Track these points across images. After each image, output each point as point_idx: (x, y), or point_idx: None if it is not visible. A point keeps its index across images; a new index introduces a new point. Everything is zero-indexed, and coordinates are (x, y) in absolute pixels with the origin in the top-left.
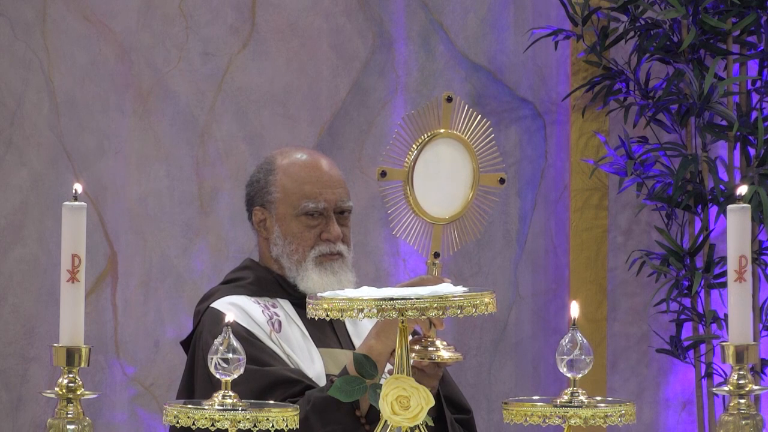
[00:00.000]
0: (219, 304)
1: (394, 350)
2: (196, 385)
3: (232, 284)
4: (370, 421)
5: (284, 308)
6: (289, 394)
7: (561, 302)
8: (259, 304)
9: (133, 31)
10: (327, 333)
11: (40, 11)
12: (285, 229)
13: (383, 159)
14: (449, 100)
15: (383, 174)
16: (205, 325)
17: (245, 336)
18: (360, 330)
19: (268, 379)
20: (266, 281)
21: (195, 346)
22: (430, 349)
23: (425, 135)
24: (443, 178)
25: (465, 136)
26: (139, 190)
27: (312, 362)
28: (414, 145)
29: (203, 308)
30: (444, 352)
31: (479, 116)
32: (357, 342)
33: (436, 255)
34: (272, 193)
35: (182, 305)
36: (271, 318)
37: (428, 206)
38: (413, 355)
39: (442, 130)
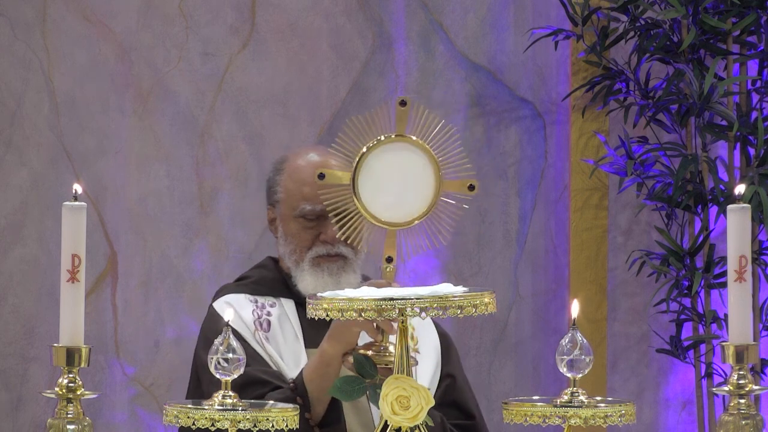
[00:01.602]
0: (217, 303)
1: (347, 353)
2: (190, 378)
3: (238, 282)
4: (321, 425)
5: (284, 308)
6: (258, 394)
7: (561, 302)
8: (253, 303)
9: (133, 31)
10: (323, 334)
11: (40, 11)
12: (286, 230)
13: (326, 161)
14: (403, 104)
15: (321, 176)
16: (204, 322)
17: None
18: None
19: (241, 378)
20: (271, 280)
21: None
22: (384, 353)
23: (376, 139)
24: (398, 182)
25: (424, 141)
26: (139, 190)
27: (296, 364)
28: (364, 148)
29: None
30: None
31: (442, 121)
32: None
33: (389, 260)
34: (278, 193)
35: (182, 305)
36: (259, 317)
37: (378, 211)
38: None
39: (394, 135)
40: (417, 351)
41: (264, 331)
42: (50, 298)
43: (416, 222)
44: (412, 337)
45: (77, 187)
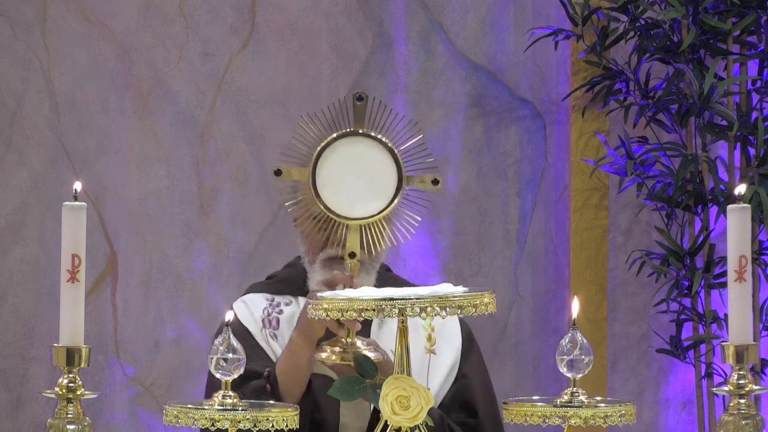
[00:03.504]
0: (236, 303)
1: (321, 347)
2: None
3: (264, 281)
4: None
5: (299, 305)
6: (244, 385)
7: (561, 302)
8: (269, 301)
9: (133, 31)
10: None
11: (40, 11)
12: (302, 230)
13: (282, 158)
14: (360, 99)
15: (278, 173)
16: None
17: (241, 332)
18: (384, 332)
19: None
20: (293, 279)
21: None
22: (344, 351)
23: (334, 134)
24: (358, 178)
25: (383, 136)
26: (139, 190)
27: None
28: (322, 144)
29: None
30: (367, 353)
31: (403, 117)
32: None
33: (352, 255)
34: (298, 191)
35: (182, 305)
36: (269, 315)
37: (338, 206)
38: (334, 357)
39: (351, 130)
40: (433, 352)
41: (272, 329)
42: (50, 298)
43: (378, 217)
44: (430, 338)
45: (77, 186)
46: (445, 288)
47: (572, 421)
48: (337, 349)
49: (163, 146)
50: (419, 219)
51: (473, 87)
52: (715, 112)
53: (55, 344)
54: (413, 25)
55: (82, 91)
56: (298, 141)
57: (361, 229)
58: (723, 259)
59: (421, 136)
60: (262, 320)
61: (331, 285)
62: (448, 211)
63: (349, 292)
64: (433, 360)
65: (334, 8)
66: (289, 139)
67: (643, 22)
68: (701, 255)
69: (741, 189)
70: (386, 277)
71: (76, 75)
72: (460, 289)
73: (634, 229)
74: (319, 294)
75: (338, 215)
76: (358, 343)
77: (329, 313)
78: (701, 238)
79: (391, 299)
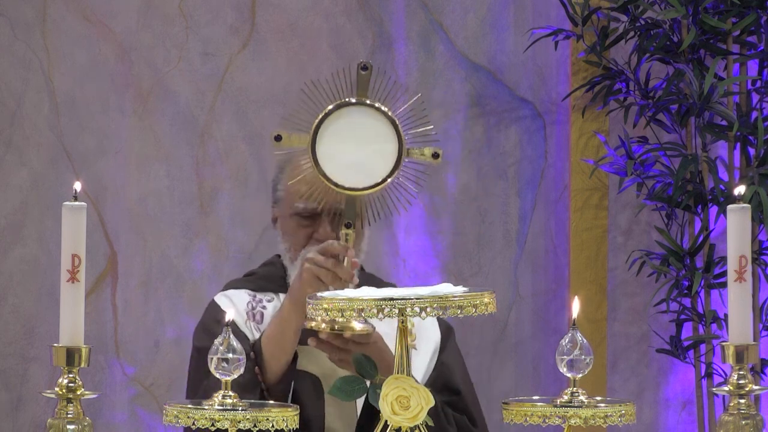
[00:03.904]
0: (217, 296)
1: (315, 338)
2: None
3: (244, 278)
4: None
5: (281, 302)
6: None
7: (561, 302)
8: (251, 296)
9: (133, 31)
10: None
11: (40, 11)
12: (284, 228)
13: (284, 124)
14: (364, 68)
15: (278, 138)
16: (204, 313)
17: (224, 321)
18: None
19: None
20: (273, 277)
21: None
22: (339, 320)
23: (336, 103)
24: (358, 148)
25: (385, 107)
26: (139, 190)
27: None
28: (323, 113)
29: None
30: (355, 324)
31: (407, 89)
32: None
33: (348, 225)
34: (279, 191)
35: (182, 305)
36: (253, 309)
37: (337, 175)
38: (324, 325)
39: (354, 100)
40: (414, 347)
41: (256, 322)
42: (50, 298)
43: (377, 188)
44: (411, 334)
45: (77, 186)
46: (445, 288)
47: (572, 421)
48: (327, 317)
49: (163, 146)
50: (416, 192)
51: (473, 87)
52: (715, 112)
53: (55, 344)
54: (413, 25)
55: (82, 91)
56: (300, 109)
57: (358, 200)
58: (723, 259)
59: (425, 109)
60: (247, 313)
61: (325, 253)
62: (448, 211)
63: (349, 292)
64: (414, 354)
65: (334, 8)
66: (293, 107)
67: (643, 22)
68: (701, 255)
69: (741, 189)
70: (366, 276)
71: (76, 75)
72: (460, 289)
73: (634, 229)
74: (319, 294)
75: (336, 184)
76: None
77: (329, 313)
78: (701, 238)
79: (391, 299)
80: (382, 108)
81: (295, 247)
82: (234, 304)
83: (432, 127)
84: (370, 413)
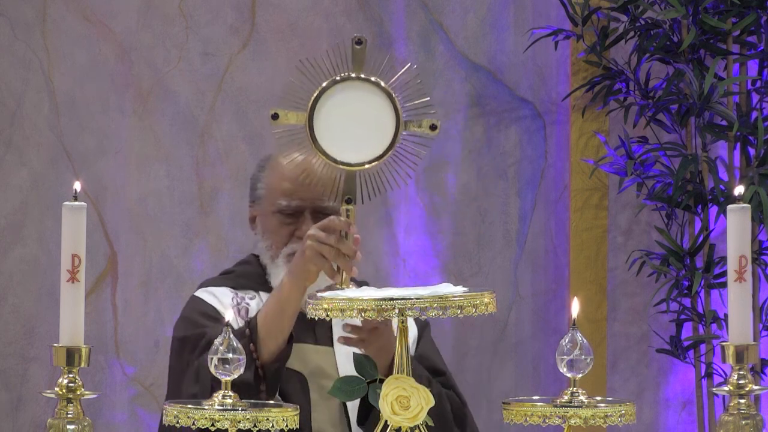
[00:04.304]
0: (199, 291)
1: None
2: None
3: (223, 276)
4: (268, 380)
5: (263, 300)
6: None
7: (561, 302)
8: (234, 293)
9: (133, 31)
10: (302, 328)
11: (40, 11)
12: (264, 226)
13: (281, 102)
14: (359, 43)
15: (275, 116)
16: (184, 308)
17: (211, 311)
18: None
19: (206, 342)
20: (252, 275)
21: None
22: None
23: (331, 79)
24: (355, 123)
25: (382, 81)
26: (139, 190)
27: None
28: (319, 89)
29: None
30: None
31: (402, 63)
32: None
33: (348, 200)
34: (259, 189)
35: (182, 305)
36: (238, 305)
37: (336, 151)
38: (327, 294)
39: (352, 74)
40: None
41: (242, 318)
42: (50, 298)
43: (375, 163)
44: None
45: (77, 186)
46: (445, 288)
47: (572, 421)
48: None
49: (163, 146)
50: (415, 165)
51: (473, 87)
52: (715, 112)
53: (55, 344)
54: (413, 25)
55: (82, 91)
56: (296, 85)
57: (357, 175)
58: (723, 259)
59: (420, 81)
60: (233, 307)
61: (327, 230)
62: (448, 211)
63: (348, 293)
64: None
65: (334, 8)
66: (289, 84)
67: (643, 22)
68: (701, 255)
69: (741, 189)
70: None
71: (76, 75)
72: (460, 289)
73: (634, 229)
74: (319, 294)
75: (334, 160)
76: (352, 288)
77: (329, 312)
78: (701, 238)
79: (391, 299)
80: (379, 81)
81: (276, 245)
82: (218, 299)
83: (429, 98)
84: (366, 411)
